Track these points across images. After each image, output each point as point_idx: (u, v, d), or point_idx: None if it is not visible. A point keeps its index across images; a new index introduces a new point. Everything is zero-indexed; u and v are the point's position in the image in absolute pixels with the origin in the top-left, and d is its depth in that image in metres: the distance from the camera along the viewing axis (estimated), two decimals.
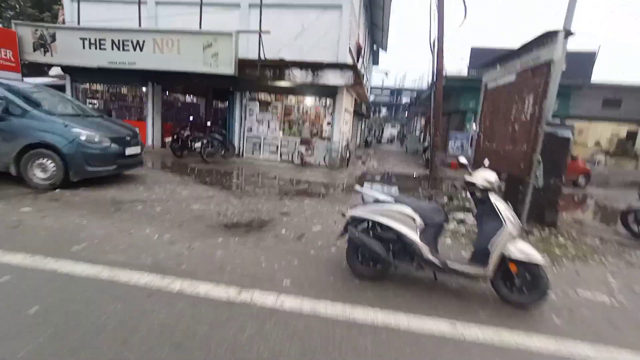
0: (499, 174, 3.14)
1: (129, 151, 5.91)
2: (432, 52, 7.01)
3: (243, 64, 9.95)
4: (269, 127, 11.49)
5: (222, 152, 10.53)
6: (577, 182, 11.53)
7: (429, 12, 7.01)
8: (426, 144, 14.59)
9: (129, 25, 10.24)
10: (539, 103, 3.87)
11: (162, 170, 8.11)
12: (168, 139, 10.00)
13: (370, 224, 3.14)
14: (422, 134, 29.51)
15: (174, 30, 9.87)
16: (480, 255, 2.88)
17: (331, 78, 9.81)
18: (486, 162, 3.28)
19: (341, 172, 10.36)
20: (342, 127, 11.12)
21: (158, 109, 11.88)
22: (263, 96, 13.47)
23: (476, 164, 6.10)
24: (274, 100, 14.18)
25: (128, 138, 5.98)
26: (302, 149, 10.66)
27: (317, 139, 11.42)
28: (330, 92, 10.73)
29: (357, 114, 18.17)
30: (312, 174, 9.43)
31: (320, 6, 10.56)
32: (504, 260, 2.79)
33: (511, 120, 4.58)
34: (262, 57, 9.93)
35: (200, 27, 10.09)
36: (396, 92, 60.64)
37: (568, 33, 3.58)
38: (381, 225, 3.02)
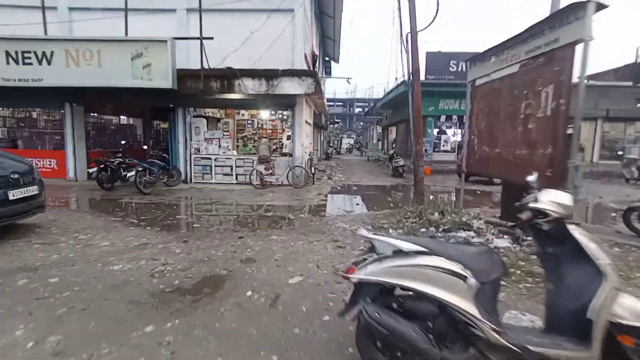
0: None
1: (17, 194, 4.20)
2: (406, 50, 6.21)
3: (183, 76, 8.49)
4: (220, 146, 10.00)
5: (165, 179, 8.83)
6: None
7: (397, 5, 6.23)
8: (391, 152, 14.02)
9: (30, 34, 8.30)
10: (566, 94, 3.05)
11: (80, 212, 6.28)
12: (93, 169, 8.08)
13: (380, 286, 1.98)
14: (380, 142, 29.57)
15: (92, 38, 8.15)
16: (565, 324, 1.85)
17: (289, 87, 8.70)
18: (533, 176, 2.30)
19: (308, 190, 9.18)
20: (303, 140, 10.02)
21: (81, 134, 9.82)
22: (211, 112, 11.98)
23: (471, 174, 5.28)
24: (224, 115, 12.74)
25: (15, 176, 4.26)
26: (261, 168, 9.33)
27: (277, 156, 10.17)
28: (288, 103, 9.60)
29: (317, 126, 17.29)
30: (276, 197, 8.13)
31: (269, 10, 9.50)
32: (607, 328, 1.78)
33: (520, 119, 3.77)
34: (205, 66, 8.55)
35: (126, 34, 8.46)
36: (348, 103, 61.85)
37: (600, 5, 2.81)
38: (410, 290, 1.88)
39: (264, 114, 12.43)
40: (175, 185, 9.23)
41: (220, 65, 8.83)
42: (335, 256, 4.03)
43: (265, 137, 12.03)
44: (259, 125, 13.39)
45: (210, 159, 9.96)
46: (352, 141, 42.28)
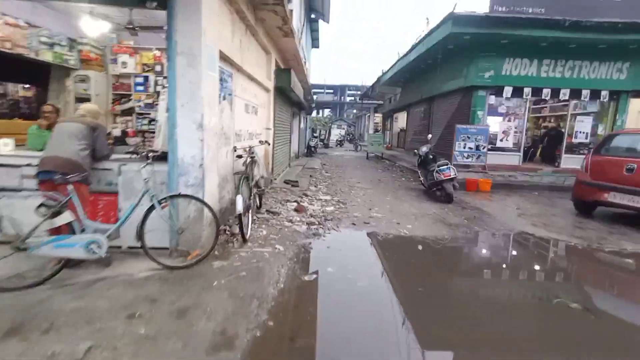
0: None
1: None
2: None
3: None
4: None
5: None
6: None
7: None
8: (425, 149, 7.34)
9: None
10: None
11: None
12: None
13: None
14: (382, 132, 22.90)
15: None
16: None
17: None
18: None
19: (210, 303, 2.45)
20: (212, 115, 3.22)
21: None
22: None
23: None
24: (79, 63, 5.84)
25: None
26: (41, 211, 2.51)
27: (123, 161, 3.29)
28: None
29: (291, 103, 10.42)
30: None
31: None
32: None
33: None
34: None
35: None
36: (339, 90, 55.08)
37: None
38: None
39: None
40: None
41: None
42: None
43: (90, 102, 5.23)
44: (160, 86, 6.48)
45: None
46: (342, 132, 35.70)
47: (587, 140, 9.56)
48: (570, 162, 9.41)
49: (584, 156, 6.44)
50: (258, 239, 3.74)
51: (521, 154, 9.56)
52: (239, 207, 3.32)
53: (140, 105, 6.43)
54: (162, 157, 3.08)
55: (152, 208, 2.81)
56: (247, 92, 5.06)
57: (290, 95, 8.96)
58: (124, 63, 6.37)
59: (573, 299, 2.66)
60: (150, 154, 2.89)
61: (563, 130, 9.92)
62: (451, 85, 10.12)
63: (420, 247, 3.91)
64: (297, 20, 9.77)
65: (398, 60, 12.56)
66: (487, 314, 2.46)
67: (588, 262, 3.71)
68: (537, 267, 3.50)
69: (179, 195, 2.96)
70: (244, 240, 3.53)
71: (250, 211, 3.90)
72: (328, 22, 18.86)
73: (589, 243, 4.16)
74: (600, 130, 9.52)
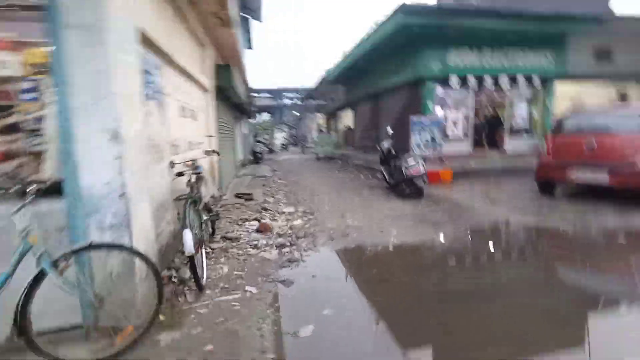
0: None
1: None
2: None
3: None
4: None
5: None
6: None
7: None
8: (387, 144, 6.91)
9: None
10: None
11: None
12: None
13: None
14: (327, 131, 22.57)
15: None
16: None
17: None
18: None
19: None
20: (126, 113, 2.20)
21: None
22: None
23: None
24: None
25: None
26: None
27: None
28: None
29: (232, 105, 9.28)
30: None
31: None
32: None
33: None
34: None
35: None
36: (277, 94, 53.86)
37: None
38: None
39: None
40: None
41: None
42: None
43: None
44: None
45: None
46: (284, 135, 34.93)
47: (526, 125, 10.13)
48: (513, 145, 9.89)
49: (543, 139, 6.55)
50: (219, 281, 2.79)
51: (471, 141, 9.77)
52: (188, 246, 2.34)
53: (29, 119, 4.89)
54: (57, 190, 1.99)
55: (43, 273, 1.73)
56: (182, 91, 4.00)
57: (232, 96, 7.90)
58: (1, 62, 4.77)
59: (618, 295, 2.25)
60: (32, 188, 1.80)
61: (501, 117, 10.44)
62: (399, 78, 9.98)
63: (420, 259, 3.33)
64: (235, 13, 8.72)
65: (345, 58, 12.17)
66: (552, 341, 1.90)
67: (601, 249, 3.48)
68: (558, 264, 3.14)
69: (90, 247, 1.90)
70: (200, 289, 2.56)
71: (203, 245, 2.92)
72: (260, 20, 17.84)
73: (584, 226, 4.01)
74: (535, 115, 10.16)
